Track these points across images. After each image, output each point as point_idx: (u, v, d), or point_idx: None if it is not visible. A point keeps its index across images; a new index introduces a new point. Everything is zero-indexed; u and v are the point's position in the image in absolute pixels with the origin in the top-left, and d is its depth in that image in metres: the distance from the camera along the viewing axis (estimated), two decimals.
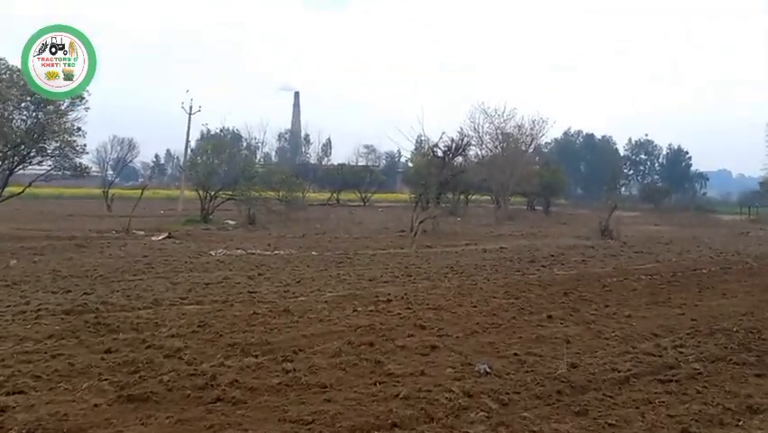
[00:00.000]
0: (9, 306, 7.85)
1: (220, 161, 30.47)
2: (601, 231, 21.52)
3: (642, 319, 8.05)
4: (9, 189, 18.31)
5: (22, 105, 17.02)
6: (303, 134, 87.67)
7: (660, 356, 6.14)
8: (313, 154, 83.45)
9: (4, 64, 16.64)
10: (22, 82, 16.72)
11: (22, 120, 17.21)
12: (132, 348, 5.87)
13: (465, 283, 10.74)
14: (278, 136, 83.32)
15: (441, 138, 19.02)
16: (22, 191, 18.85)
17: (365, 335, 6.71)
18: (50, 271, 11.24)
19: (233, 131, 69.63)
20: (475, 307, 8.49)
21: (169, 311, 7.76)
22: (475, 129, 37.84)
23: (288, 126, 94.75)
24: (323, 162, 78.30)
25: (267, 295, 9.14)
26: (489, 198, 45.32)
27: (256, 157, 60.58)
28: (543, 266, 13.44)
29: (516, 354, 6.09)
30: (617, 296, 9.83)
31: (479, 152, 36.84)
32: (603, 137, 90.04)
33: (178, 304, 8.30)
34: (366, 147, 75.15)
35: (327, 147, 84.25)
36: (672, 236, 23.52)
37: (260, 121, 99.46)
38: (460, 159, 19.64)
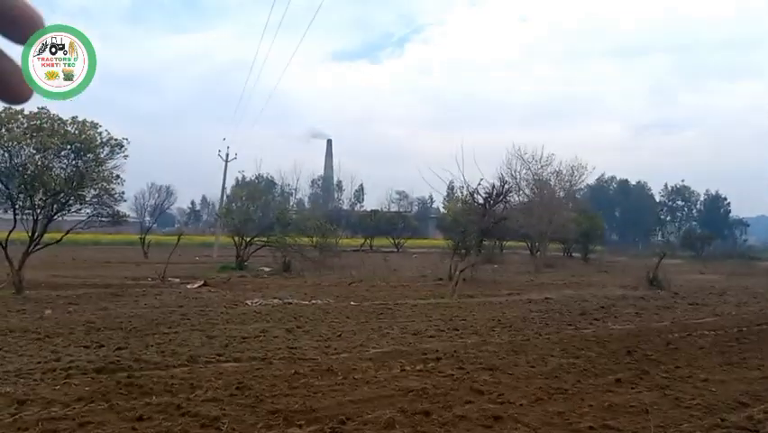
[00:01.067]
0: (39, 362, 7.46)
1: (255, 208, 30.43)
2: (650, 280, 20.54)
3: (721, 384, 7.27)
4: (48, 236, 18.26)
5: (62, 153, 17.07)
6: (335, 181, 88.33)
7: (756, 431, 5.40)
8: (345, 200, 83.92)
9: (45, 114, 16.79)
10: (62, 131, 16.86)
11: (61, 168, 17.23)
12: (166, 416, 5.37)
13: (516, 339, 10.06)
14: (311, 183, 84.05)
15: (479, 183, 18.52)
16: (61, 239, 18.78)
17: (418, 401, 6.11)
18: (83, 322, 10.91)
19: (267, 177, 70.39)
20: (533, 367, 7.82)
21: (206, 370, 7.27)
22: (512, 175, 37.32)
23: (321, 173, 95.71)
24: (355, 208, 78.48)
25: (307, 351, 8.61)
26: (525, 244, 44.45)
27: (289, 203, 60.94)
28: (595, 319, 12.67)
29: (591, 427, 5.42)
30: (685, 355, 9.04)
31: (516, 199, 36.19)
32: (638, 183, 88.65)
33: (215, 361, 7.81)
34: (398, 193, 75.27)
35: (360, 193, 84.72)
36: (722, 286, 22.41)
37: (294, 167, 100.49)
38: (500, 206, 19.00)
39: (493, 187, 18.46)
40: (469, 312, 13.45)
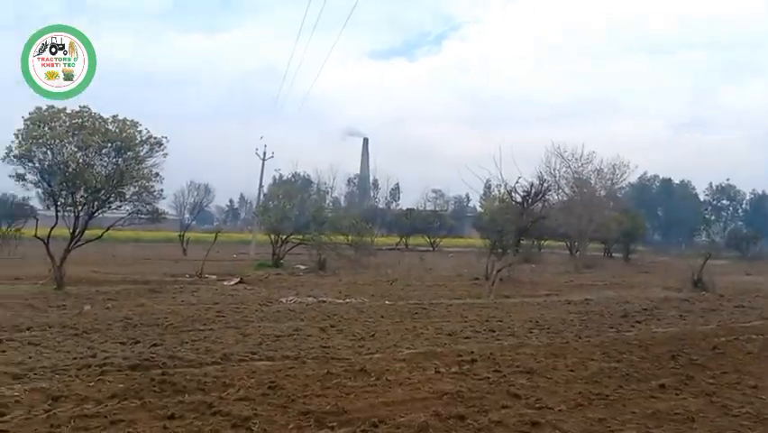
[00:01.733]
0: (75, 358, 7.52)
1: (291, 206, 30.57)
2: (694, 282, 19.90)
3: None
4: (89, 233, 18.61)
5: (103, 151, 17.37)
6: (371, 179, 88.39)
7: None
8: (381, 199, 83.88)
9: (87, 112, 17.09)
10: (103, 129, 17.15)
11: (102, 166, 17.52)
12: (198, 415, 5.31)
13: (555, 341, 9.78)
14: (348, 181, 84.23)
15: (517, 182, 18.18)
16: (101, 235, 19.14)
17: (453, 404, 5.93)
18: (121, 318, 11.03)
19: (303, 176, 70.73)
20: (572, 371, 7.56)
21: (239, 368, 7.23)
22: (551, 173, 36.68)
23: (357, 171, 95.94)
24: (391, 207, 78.39)
25: (341, 351, 8.51)
26: (565, 244, 43.71)
27: (325, 201, 61.11)
28: (638, 321, 12.27)
29: None
30: (732, 360, 8.65)
31: (555, 197, 35.55)
32: (681, 182, 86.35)
33: (248, 360, 7.77)
34: (434, 192, 74.83)
35: (396, 192, 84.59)
36: None
37: (330, 166, 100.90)
38: (539, 204, 18.63)
39: (531, 185, 18.14)
40: (505, 313, 13.18)
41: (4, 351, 7.91)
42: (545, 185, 18.48)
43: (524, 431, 5.24)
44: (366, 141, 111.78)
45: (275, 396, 6.01)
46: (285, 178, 55.64)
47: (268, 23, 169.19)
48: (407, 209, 65.98)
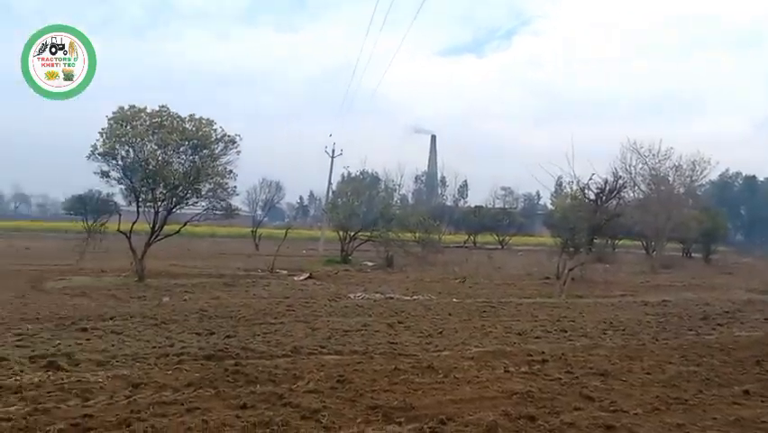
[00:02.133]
0: (155, 347, 7.85)
1: (359, 203, 30.83)
2: None
3: None
4: (167, 228, 19.37)
5: (181, 149, 18.04)
6: (439, 176, 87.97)
7: None
8: (449, 196, 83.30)
9: (165, 112, 17.80)
10: (181, 128, 17.79)
11: (180, 163, 18.21)
12: (269, 405, 5.43)
13: (630, 343, 9.43)
14: (415, 178, 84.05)
15: (591, 179, 17.63)
16: (179, 230, 19.92)
17: (522, 404, 5.81)
18: (197, 310, 11.43)
19: (371, 173, 71.13)
20: (649, 374, 7.27)
21: (308, 361, 7.34)
22: (627, 170, 35.33)
23: (425, 168, 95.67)
24: (459, 204, 77.77)
25: (408, 347, 8.50)
26: (640, 243, 42.13)
27: (393, 199, 61.25)
28: (719, 324, 11.68)
29: None
30: None
31: (631, 195, 34.21)
32: (766, 179, 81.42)
33: (317, 353, 7.88)
34: (503, 189, 73.62)
35: (464, 189, 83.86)
36: None
37: (398, 164, 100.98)
38: (613, 202, 18.00)
39: (606, 182, 17.54)
40: (578, 313, 12.83)
41: (88, 339, 8.34)
42: (620, 182, 17.81)
43: None
44: (434, 138, 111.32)
45: (343, 390, 6.07)
46: (353, 175, 56.07)
47: (337, 22, 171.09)
48: (476, 207, 65.21)
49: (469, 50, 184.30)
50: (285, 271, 21.74)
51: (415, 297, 15.07)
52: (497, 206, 68.39)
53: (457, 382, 6.59)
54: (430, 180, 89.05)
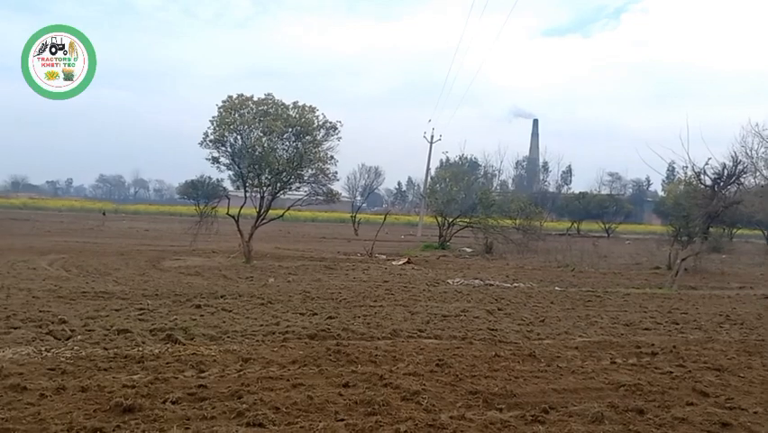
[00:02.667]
0: (261, 325, 8.18)
1: (458, 189, 30.62)
2: None
3: None
4: (272, 212, 20.14)
5: (285, 135, 18.65)
6: (541, 161, 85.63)
7: None
8: (551, 182, 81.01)
9: (271, 99, 18.44)
10: (285, 115, 18.36)
11: (284, 150, 18.85)
12: (370, 385, 5.52)
13: (749, 338, 8.81)
14: (516, 164, 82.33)
15: (707, 163, 16.49)
16: (283, 214, 20.67)
17: (630, 397, 5.58)
18: (300, 291, 11.82)
19: (470, 159, 70.39)
20: None
21: (407, 344, 7.40)
22: (747, 154, 32.80)
23: (526, 153, 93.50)
24: (562, 191, 75.46)
25: (509, 334, 8.37)
26: (761, 232, 39.17)
27: (493, 185, 60.35)
28: None
29: None
30: None
31: (752, 181, 31.75)
32: None
33: (416, 337, 7.93)
34: (610, 175, 70.69)
35: (567, 175, 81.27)
36: None
37: (498, 148, 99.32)
38: (732, 188, 16.76)
39: (724, 167, 16.34)
40: (691, 305, 12.13)
41: (202, 315, 8.83)
42: (740, 167, 16.49)
43: (712, 431, 4.77)
44: (536, 122, 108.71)
45: (443, 373, 6.07)
46: (452, 160, 55.89)
47: (438, 7, 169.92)
48: (580, 193, 63.02)
49: (574, 30, 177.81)
50: (383, 256, 22.03)
51: (515, 284, 14.82)
52: (603, 192, 65.77)
53: (560, 372, 6.42)
54: (531, 166, 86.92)
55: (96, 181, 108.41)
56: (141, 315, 8.57)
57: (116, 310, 8.84)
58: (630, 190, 73.13)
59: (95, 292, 10.55)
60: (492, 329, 8.65)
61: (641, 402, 5.38)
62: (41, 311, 8.41)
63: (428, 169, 45.63)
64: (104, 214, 50.49)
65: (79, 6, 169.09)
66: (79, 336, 6.96)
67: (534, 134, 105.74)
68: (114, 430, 4.17)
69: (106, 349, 6.44)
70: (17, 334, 6.96)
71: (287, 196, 20.80)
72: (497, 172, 74.05)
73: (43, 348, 6.36)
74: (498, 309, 10.59)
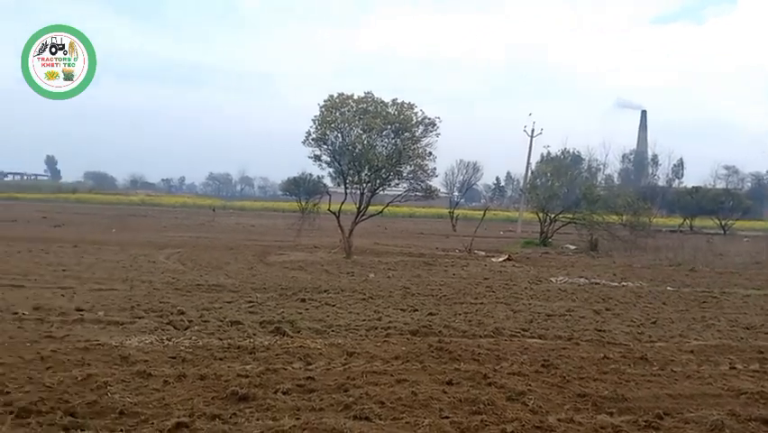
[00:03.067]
0: (364, 320, 8.35)
1: (560, 184, 29.73)
2: None
3: None
4: (371, 208, 20.45)
5: (384, 133, 18.85)
6: (650, 155, 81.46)
7: None
8: (661, 176, 76.80)
9: (370, 97, 18.70)
10: (384, 113, 18.56)
11: (383, 147, 19.07)
12: (474, 383, 5.49)
13: None
14: (622, 157, 78.69)
15: None
16: (382, 210, 20.91)
17: (753, 405, 5.23)
18: (400, 287, 11.93)
19: (573, 152, 68.01)
20: None
21: (510, 343, 7.29)
22: None
23: (633, 146, 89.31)
24: (672, 185, 71.45)
25: (617, 335, 8.05)
26: None
27: (597, 179, 58.04)
28: None
29: None
30: None
31: None
32: None
33: (519, 336, 7.80)
34: (726, 168, 66.02)
35: (678, 168, 76.79)
36: None
37: (602, 141, 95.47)
38: None
39: None
40: None
41: (307, 309, 9.13)
42: None
43: None
44: (644, 113, 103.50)
45: (548, 375, 5.94)
46: (554, 155, 54.27)
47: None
48: (693, 187, 59.27)
49: (685, 15, 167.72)
50: (482, 252, 21.79)
51: (623, 283, 14.22)
52: (718, 186, 61.66)
53: (675, 376, 6.11)
54: (639, 159, 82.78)
55: (205, 179, 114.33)
56: (250, 307, 8.99)
57: (228, 303, 9.32)
58: (749, 185, 68.04)
59: (208, 285, 11.15)
60: (600, 330, 8.36)
61: (765, 412, 5.03)
62: (161, 302, 9.02)
63: (528, 163, 44.71)
64: (213, 210, 53.18)
65: (185, 10, 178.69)
66: (196, 327, 7.40)
67: (642, 127, 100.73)
68: (231, 417, 4.41)
69: (221, 339, 6.81)
70: (141, 323, 7.50)
71: (385, 192, 21.04)
72: (601, 166, 70.92)
73: (164, 337, 6.82)
74: (606, 309, 10.22)
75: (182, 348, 6.33)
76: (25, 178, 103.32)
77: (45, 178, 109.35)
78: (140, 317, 7.87)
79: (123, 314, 8.08)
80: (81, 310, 8.10)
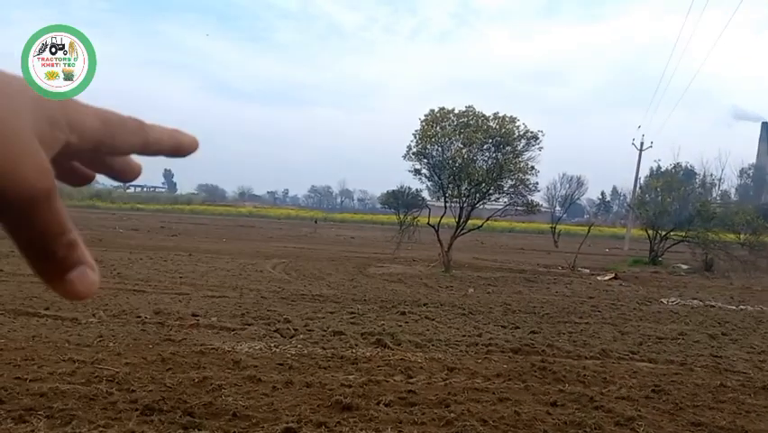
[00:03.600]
0: (464, 335, 8.31)
1: (671, 200, 28.25)
2: None
3: None
4: (470, 222, 20.31)
5: (484, 147, 18.72)
6: None
7: None
8: None
9: (471, 111, 18.64)
10: (485, 126, 18.44)
11: (483, 160, 18.93)
12: (579, 406, 5.33)
13: None
14: (740, 172, 73.70)
15: None
16: (482, 225, 20.69)
17: None
18: (500, 303, 11.77)
19: (686, 166, 64.43)
20: None
21: (618, 366, 7.01)
22: None
23: (752, 161, 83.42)
24: None
25: (736, 362, 7.54)
26: None
27: (712, 195, 54.59)
28: None
29: None
30: None
31: None
32: None
33: (628, 358, 7.48)
34: None
35: None
36: None
37: (718, 155, 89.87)
38: None
39: None
40: None
41: (407, 322, 9.20)
42: None
43: None
44: (765, 125, 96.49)
45: (660, 401, 5.66)
46: (664, 169, 51.57)
47: (645, 5, 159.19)
48: None
49: None
50: (587, 270, 21.06)
51: (741, 306, 13.28)
52: None
53: None
54: (759, 174, 77.27)
55: (307, 192, 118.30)
56: (352, 318, 9.18)
57: (331, 313, 9.57)
58: None
59: (311, 295, 11.50)
60: (716, 356, 7.87)
61: None
62: (268, 310, 9.40)
63: (637, 178, 42.85)
64: (315, 222, 54.67)
65: (293, 33, 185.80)
66: (301, 335, 7.66)
67: (763, 139, 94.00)
68: (335, 426, 4.53)
69: (324, 349, 7.01)
70: (251, 330, 7.86)
71: (485, 206, 20.83)
72: (716, 181, 66.80)
73: (272, 344, 7.11)
74: (722, 334, 9.58)
75: (288, 356, 6.58)
76: (145, 190, 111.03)
77: (163, 190, 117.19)
78: (249, 324, 8.24)
79: (234, 320, 8.50)
80: (197, 315, 8.62)
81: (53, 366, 5.62)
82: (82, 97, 0.53)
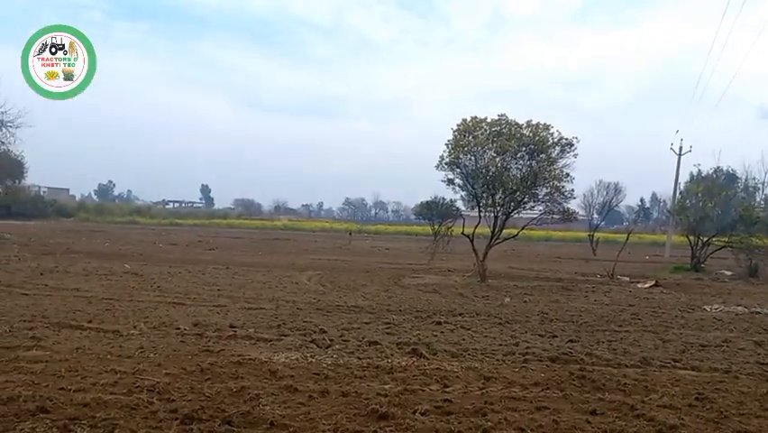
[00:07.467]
0: (501, 345, 8.23)
1: (712, 205, 27.57)
2: None
3: None
4: (505, 231, 20.11)
5: (518, 155, 18.56)
6: None
7: None
8: None
9: (504, 120, 18.52)
10: (518, 135, 18.30)
11: (517, 169, 18.75)
12: (620, 415, 5.22)
13: None
14: None
15: None
16: (517, 234, 20.46)
17: None
18: (537, 312, 11.63)
19: (727, 171, 62.83)
20: None
21: (660, 374, 6.85)
22: None
23: None
24: None
25: None
26: None
27: (755, 199, 53.04)
28: None
29: None
30: None
31: None
32: None
33: (670, 367, 7.30)
34: None
35: None
36: None
37: (761, 158, 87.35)
38: None
39: None
40: None
41: (442, 331, 9.17)
42: None
43: None
44: None
45: (704, 409, 5.51)
46: (704, 173, 50.33)
47: (680, 8, 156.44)
48: None
49: None
50: (626, 278, 20.66)
51: None
52: None
53: None
54: None
55: (342, 204, 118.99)
56: (387, 328, 9.18)
57: (366, 323, 9.59)
58: None
59: (347, 306, 11.54)
60: (762, 363, 7.65)
61: None
62: (304, 321, 9.47)
63: (677, 183, 41.99)
64: (350, 234, 54.95)
65: (327, 46, 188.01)
66: (337, 346, 7.70)
67: None
68: None
69: (360, 359, 7.03)
70: (287, 341, 7.94)
71: (520, 215, 20.62)
72: (760, 185, 64.90)
73: (308, 354, 7.16)
74: None
75: (325, 366, 6.61)
76: (183, 205, 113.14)
77: (200, 205, 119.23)
78: (285, 335, 8.32)
79: (271, 331, 8.59)
80: (234, 327, 8.74)
81: (96, 377, 5.77)
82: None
